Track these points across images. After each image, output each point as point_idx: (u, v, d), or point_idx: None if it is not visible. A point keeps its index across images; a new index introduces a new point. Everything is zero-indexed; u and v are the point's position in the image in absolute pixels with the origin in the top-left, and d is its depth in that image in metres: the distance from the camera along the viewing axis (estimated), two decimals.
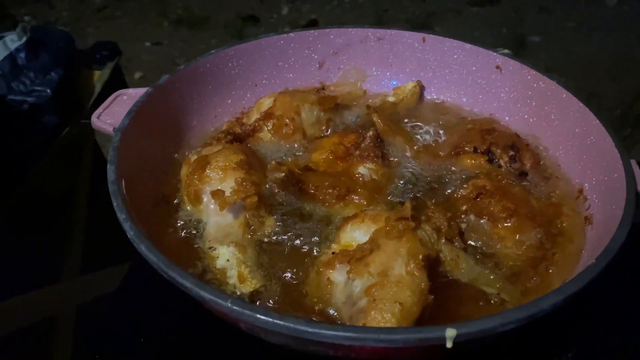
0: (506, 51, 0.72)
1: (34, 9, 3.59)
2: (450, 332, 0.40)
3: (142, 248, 0.47)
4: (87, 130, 1.10)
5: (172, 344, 0.58)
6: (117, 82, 1.20)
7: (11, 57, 1.00)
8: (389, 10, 3.40)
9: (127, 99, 0.66)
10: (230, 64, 0.75)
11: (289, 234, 0.58)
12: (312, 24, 3.30)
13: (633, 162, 0.57)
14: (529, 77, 0.69)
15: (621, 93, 2.70)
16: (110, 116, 0.63)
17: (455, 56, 0.76)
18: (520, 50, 3.01)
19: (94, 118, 0.63)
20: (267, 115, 0.71)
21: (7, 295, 0.83)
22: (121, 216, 0.49)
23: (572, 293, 0.43)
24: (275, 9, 3.52)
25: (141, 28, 3.37)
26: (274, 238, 0.58)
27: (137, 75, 2.93)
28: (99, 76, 1.18)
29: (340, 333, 0.40)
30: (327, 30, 0.78)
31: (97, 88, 1.16)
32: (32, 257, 0.93)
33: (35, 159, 1.00)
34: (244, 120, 0.74)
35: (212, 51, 0.74)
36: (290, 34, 0.78)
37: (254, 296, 0.52)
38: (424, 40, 0.77)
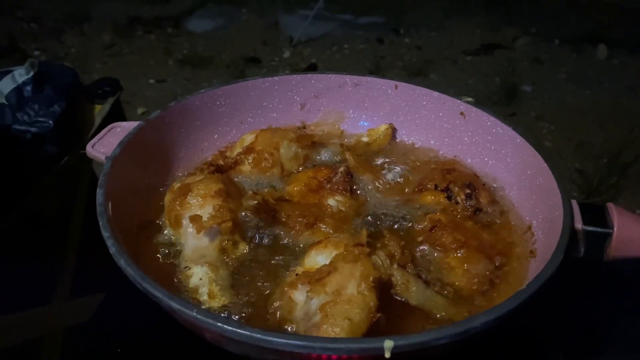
0: (469, 99, 0.79)
1: (45, 44, 3.73)
2: (388, 344, 0.45)
3: (122, 262, 0.53)
4: (85, 159, 1.17)
5: None
6: (116, 116, 1.27)
7: (18, 89, 1.07)
8: (386, 57, 3.52)
9: (120, 130, 0.73)
10: (218, 102, 0.82)
11: (260, 257, 0.64)
12: (312, 68, 3.42)
13: (574, 202, 0.63)
14: (489, 123, 0.76)
15: (609, 142, 2.78)
16: (104, 146, 0.70)
17: (424, 102, 0.83)
18: (512, 99, 3.11)
19: (88, 147, 0.70)
20: (249, 149, 0.77)
21: None
22: (105, 234, 0.55)
23: (502, 314, 0.48)
24: (277, 52, 3.65)
25: (147, 65, 3.50)
26: (246, 261, 0.63)
27: (140, 110, 3.03)
28: (100, 110, 1.25)
29: (291, 341, 0.45)
30: (309, 75, 0.86)
31: (97, 121, 1.23)
32: (24, 277, 0.98)
33: (34, 184, 1.07)
34: (228, 154, 0.80)
35: (202, 90, 0.81)
36: (275, 77, 0.85)
37: (222, 311, 0.57)
38: (396, 87, 0.84)
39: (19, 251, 1.00)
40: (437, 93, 0.81)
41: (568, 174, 2.64)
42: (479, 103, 2.52)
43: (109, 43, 3.70)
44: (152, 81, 3.30)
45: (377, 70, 3.37)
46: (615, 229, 0.60)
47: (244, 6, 4.07)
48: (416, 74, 3.32)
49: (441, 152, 0.83)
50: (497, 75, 3.28)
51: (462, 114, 0.79)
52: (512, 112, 3.00)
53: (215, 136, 0.82)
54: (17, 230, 1.01)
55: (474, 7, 3.86)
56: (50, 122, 1.09)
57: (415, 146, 0.85)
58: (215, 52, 3.60)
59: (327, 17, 3.89)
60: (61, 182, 1.14)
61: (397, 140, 0.86)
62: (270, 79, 0.85)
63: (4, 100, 1.08)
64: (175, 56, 3.55)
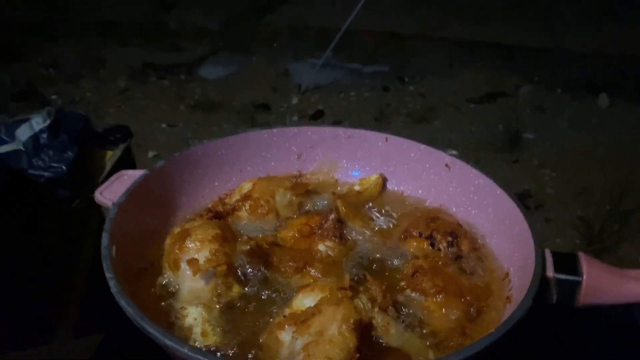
0: (454, 152, 0.84)
1: (62, 89, 3.86)
2: None
3: (122, 302, 0.57)
4: (94, 202, 1.23)
5: None
6: (127, 162, 1.34)
7: (35, 137, 1.15)
8: (391, 104, 3.61)
9: (127, 178, 0.78)
10: (219, 152, 0.88)
11: (252, 298, 0.68)
12: (319, 114, 3.51)
13: (547, 251, 0.67)
14: (472, 175, 0.81)
15: (610, 188, 2.81)
16: (111, 193, 0.75)
17: (412, 154, 0.88)
18: (515, 146, 3.16)
19: (97, 194, 0.75)
20: (246, 197, 0.82)
21: (1, 350, 0.90)
22: (108, 275, 0.60)
23: (470, 355, 0.52)
24: (286, 99, 3.75)
25: (159, 110, 3.60)
26: (238, 302, 0.68)
27: (151, 154, 3.11)
28: (111, 156, 1.32)
29: None
30: (305, 128, 0.92)
31: (108, 166, 1.30)
32: (30, 315, 1.02)
33: (46, 226, 1.13)
34: (227, 200, 0.85)
35: (204, 141, 0.87)
36: (274, 129, 0.91)
37: (213, 349, 0.61)
38: (386, 140, 0.90)
39: (26, 290, 1.05)
40: (424, 146, 0.87)
41: (570, 220, 2.67)
42: (481, 150, 2.59)
43: (123, 88, 3.84)
44: (163, 125, 3.40)
45: (381, 117, 3.45)
46: (584, 277, 0.64)
47: (255, 54, 4.21)
48: (420, 121, 3.40)
49: (428, 201, 0.87)
50: (500, 123, 3.35)
51: (447, 165, 0.84)
52: (515, 159, 3.05)
53: (216, 183, 0.88)
54: (27, 269, 1.06)
55: (478, 56, 3.97)
56: (63, 167, 1.16)
57: (404, 195, 0.90)
58: (226, 98, 3.71)
59: (335, 65, 4.01)
60: (71, 224, 1.19)
61: (388, 189, 0.91)
62: (269, 131, 0.91)
63: (21, 147, 1.15)
64: (187, 101, 3.66)
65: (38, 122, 1.15)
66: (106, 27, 4.39)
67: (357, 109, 3.60)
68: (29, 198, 1.11)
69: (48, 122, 1.15)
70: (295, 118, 3.52)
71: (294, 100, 3.71)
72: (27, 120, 1.18)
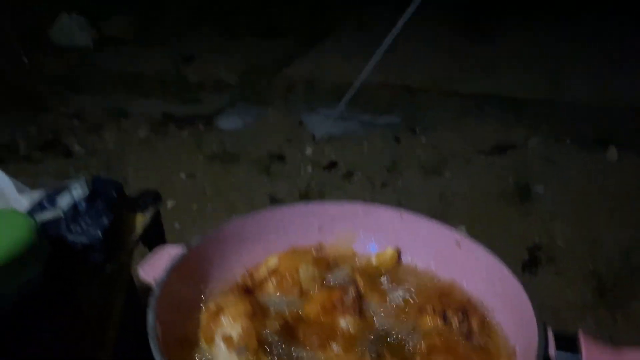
0: (463, 228, 0.92)
1: (84, 139, 4.01)
2: None
3: None
4: (125, 265, 1.32)
5: None
6: (156, 226, 1.43)
7: (75, 205, 1.24)
8: (403, 155, 3.70)
9: (165, 254, 0.87)
10: (246, 228, 0.96)
11: None
12: (332, 165, 3.61)
13: (549, 330, 0.74)
14: (480, 253, 0.88)
15: (621, 241, 2.84)
16: (152, 269, 0.83)
17: (426, 231, 0.96)
18: (525, 199, 3.22)
19: (140, 271, 0.84)
20: (273, 272, 0.90)
21: None
22: (157, 357, 0.67)
23: None
24: (300, 149, 3.86)
25: (178, 161, 3.72)
26: None
27: (170, 204, 3.20)
28: (141, 220, 1.41)
29: None
30: (326, 204, 1.00)
31: (139, 230, 1.38)
32: None
33: (80, 290, 1.20)
34: (255, 274, 0.93)
35: (233, 217, 0.96)
36: (296, 205, 0.99)
37: None
38: (401, 216, 0.98)
39: (62, 352, 1.11)
40: (437, 224, 0.94)
41: (581, 273, 2.70)
42: (492, 202, 2.65)
43: (144, 138, 3.98)
44: (183, 175, 3.51)
45: (393, 168, 3.54)
46: (583, 356, 0.70)
47: (270, 106, 4.36)
48: (432, 172, 3.48)
49: (440, 275, 0.94)
50: (511, 175, 3.42)
51: (457, 243, 0.92)
52: (526, 212, 3.11)
53: (244, 257, 0.96)
54: (63, 332, 1.13)
55: (487, 108, 4.08)
56: (99, 233, 1.24)
57: (418, 269, 0.97)
58: (243, 148, 3.84)
59: (347, 116, 4.13)
60: (103, 287, 1.27)
61: (402, 262, 0.98)
62: (292, 207, 0.99)
63: (61, 214, 1.24)
64: (205, 152, 3.78)
65: (78, 192, 1.25)
66: (129, 80, 4.58)
67: (369, 160, 3.70)
68: (67, 263, 1.19)
69: (87, 192, 1.25)
70: (309, 169, 3.62)
71: (308, 151, 3.82)
72: (67, 188, 1.27)
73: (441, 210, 3.04)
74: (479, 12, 6.06)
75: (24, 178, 3.52)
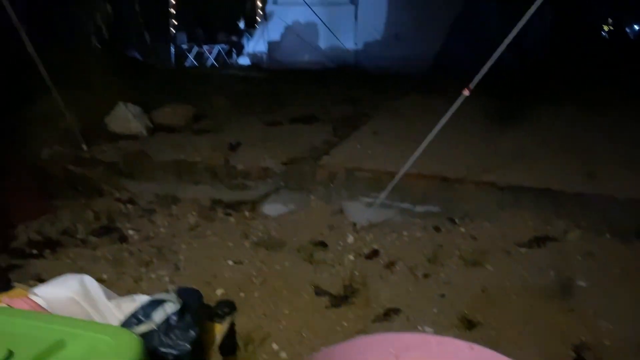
0: None
1: (137, 224, 4.23)
2: None
3: None
4: None
5: None
6: (231, 334, 1.55)
7: (167, 319, 1.38)
8: (443, 245, 3.79)
9: None
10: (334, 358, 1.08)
11: None
12: (374, 254, 3.71)
13: None
14: None
15: None
16: None
17: None
18: (568, 294, 3.24)
19: None
20: None
21: None
22: None
23: None
24: (342, 237, 3.99)
25: (226, 247, 3.88)
26: None
27: (219, 291, 3.33)
28: (220, 329, 1.54)
29: None
30: (402, 335, 1.12)
31: (218, 339, 1.51)
32: None
33: None
34: None
35: (321, 350, 1.08)
36: (376, 335, 1.12)
37: None
38: (472, 348, 1.08)
39: None
40: (505, 358, 1.05)
41: None
42: (535, 297, 2.70)
43: (193, 224, 4.17)
44: (230, 262, 3.65)
45: (435, 258, 3.62)
46: None
47: (313, 193, 4.55)
48: (473, 264, 3.55)
49: None
50: (552, 268, 3.46)
51: None
52: (570, 308, 3.12)
53: None
54: None
55: (525, 200, 4.17)
56: (187, 345, 1.37)
57: None
58: (287, 235, 3.98)
59: (387, 204, 4.27)
60: None
61: None
62: (372, 337, 1.11)
63: (155, 327, 1.38)
64: (251, 239, 3.94)
65: (170, 306, 1.39)
66: (180, 166, 4.86)
67: (410, 250, 3.79)
68: None
69: (178, 306, 1.39)
70: (351, 257, 3.73)
71: (350, 239, 3.94)
72: (160, 302, 1.42)
73: (484, 304, 3.09)
74: (512, 101, 6.30)
75: (82, 263, 3.73)
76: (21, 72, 4.99)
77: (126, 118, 5.34)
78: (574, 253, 3.64)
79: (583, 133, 5.52)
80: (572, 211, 4.01)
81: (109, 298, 1.56)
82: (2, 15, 4.54)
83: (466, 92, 3.52)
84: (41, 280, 3.27)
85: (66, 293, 1.50)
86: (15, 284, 1.66)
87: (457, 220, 4.09)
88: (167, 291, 1.49)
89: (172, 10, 10.72)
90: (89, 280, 1.55)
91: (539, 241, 3.76)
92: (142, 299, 1.52)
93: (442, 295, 3.21)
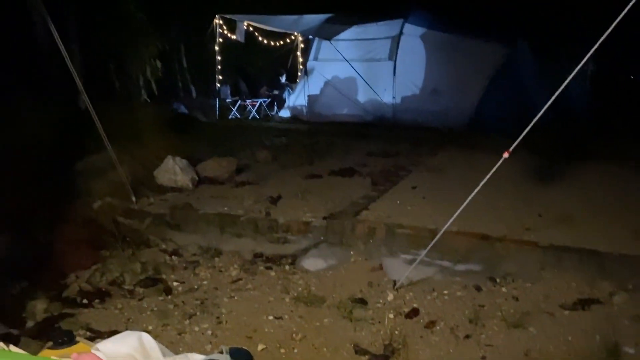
0: None
1: (181, 275, 4.34)
2: None
3: None
4: None
5: None
6: None
7: None
8: (484, 305, 3.75)
9: None
10: None
11: None
12: (414, 313, 3.70)
13: None
14: None
15: None
16: None
17: None
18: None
19: None
20: None
21: None
22: None
23: None
24: (382, 295, 4.00)
25: (266, 301, 3.93)
26: None
27: (260, 347, 3.37)
28: None
29: None
30: None
31: None
32: None
33: None
34: None
35: None
36: None
37: None
38: None
39: None
40: None
41: None
42: None
43: (235, 277, 4.26)
44: (270, 317, 3.69)
45: (476, 319, 3.58)
46: None
47: (352, 248, 4.59)
48: (515, 326, 3.49)
49: None
50: (597, 333, 3.37)
51: None
52: None
53: None
54: None
55: (568, 260, 4.11)
56: None
57: None
58: (326, 291, 4.01)
59: (427, 262, 4.27)
60: None
61: None
62: None
63: None
64: (291, 293, 3.98)
65: None
66: (223, 220, 4.99)
67: (451, 309, 3.76)
68: None
69: None
70: (391, 315, 3.72)
71: (390, 297, 3.94)
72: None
73: None
74: (553, 158, 6.27)
75: (129, 313, 3.84)
76: (79, 125, 5.30)
77: (174, 171, 5.56)
78: (620, 317, 3.54)
79: (627, 191, 5.44)
80: (617, 273, 3.93)
81: (164, 355, 1.64)
82: (62, 71, 4.87)
83: (506, 155, 3.56)
84: (90, 329, 3.40)
85: (126, 350, 1.59)
86: (79, 338, 1.76)
87: (498, 280, 4.05)
88: (220, 352, 1.57)
89: (217, 66, 11.19)
90: (146, 338, 1.64)
91: (584, 303, 3.68)
92: (196, 358, 1.59)
93: (484, 358, 3.18)
